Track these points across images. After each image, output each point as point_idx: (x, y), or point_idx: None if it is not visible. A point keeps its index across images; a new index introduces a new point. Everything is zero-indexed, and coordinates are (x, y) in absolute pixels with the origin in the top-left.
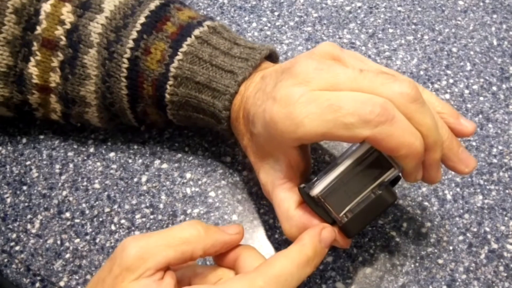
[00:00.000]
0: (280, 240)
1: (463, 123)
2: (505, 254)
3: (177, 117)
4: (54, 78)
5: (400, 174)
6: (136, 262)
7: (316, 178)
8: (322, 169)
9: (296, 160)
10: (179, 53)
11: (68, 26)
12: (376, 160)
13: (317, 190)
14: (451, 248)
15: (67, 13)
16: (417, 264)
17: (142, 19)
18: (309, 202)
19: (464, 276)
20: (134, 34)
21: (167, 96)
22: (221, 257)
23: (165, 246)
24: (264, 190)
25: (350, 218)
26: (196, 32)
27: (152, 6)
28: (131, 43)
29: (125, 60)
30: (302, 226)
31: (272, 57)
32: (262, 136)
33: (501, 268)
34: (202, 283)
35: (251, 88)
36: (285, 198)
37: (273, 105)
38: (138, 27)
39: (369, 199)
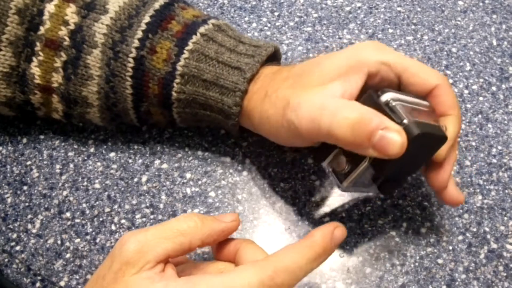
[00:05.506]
0: (280, 240)
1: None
2: (504, 254)
3: (182, 115)
4: (57, 79)
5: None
6: (136, 256)
7: (381, 90)
8: (323, 169)
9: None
10: (185, 51)
11: (72, 27)
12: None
13: (387, 96)
14: (450, 248)
15: (71, 14)
16: (416, 264)
17: (147, 19)
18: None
19: (463, 276)
20: (140, 34)
21: (174, 94)
22: (220, 250)
23: (163, 239)
24: (303, 108)
25: (416, 121)
26: (202, 29)
27: (157, 5)
28: (136, 43)
29: (131, 60)
30: (366, 112)
31: (275, 56)
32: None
33: (501, 268)
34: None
35: (258, 85)
36: (340, 91)
37: (296, 108)
38: (143, 26)
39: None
